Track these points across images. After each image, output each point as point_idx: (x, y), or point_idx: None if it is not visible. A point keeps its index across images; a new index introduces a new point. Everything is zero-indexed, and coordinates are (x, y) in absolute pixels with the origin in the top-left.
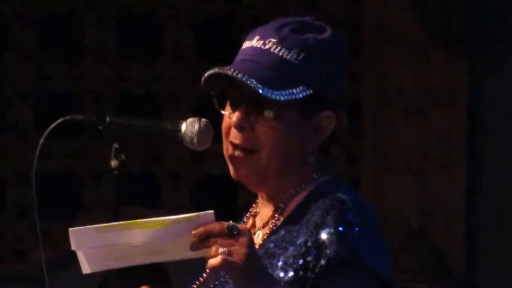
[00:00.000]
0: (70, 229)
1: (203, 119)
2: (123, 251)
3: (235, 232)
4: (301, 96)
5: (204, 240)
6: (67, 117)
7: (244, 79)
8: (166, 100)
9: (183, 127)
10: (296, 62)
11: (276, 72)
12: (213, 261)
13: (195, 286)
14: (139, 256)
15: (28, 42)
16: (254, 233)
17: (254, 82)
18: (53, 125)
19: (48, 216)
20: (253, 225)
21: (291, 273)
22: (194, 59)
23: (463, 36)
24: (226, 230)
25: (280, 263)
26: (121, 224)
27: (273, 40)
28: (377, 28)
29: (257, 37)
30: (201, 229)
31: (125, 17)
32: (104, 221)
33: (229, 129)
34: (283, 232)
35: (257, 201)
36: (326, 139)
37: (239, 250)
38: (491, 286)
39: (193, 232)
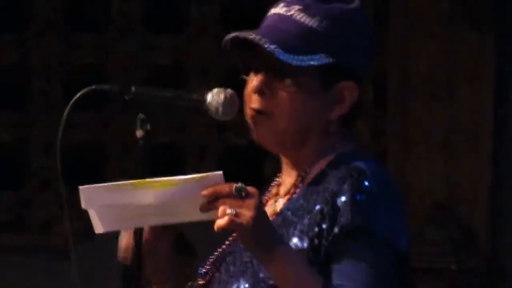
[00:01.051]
0: (80, 187)
1: (229, 90)
2: (134, 211)
3: (244, 194)
4: (320, 63)
5: (213, 202)
6: (93, 86)
7: (262, 42)
8: (193, 71)
9: (209, 97)
10: (318, 29)
11: (297, 38)
12: (220, 222)
13: (215, 255)
14: (150, 217)
15: (53, 12)
16: (276, 201)
17: (272, 47)
18: (78, 95)
19: (74, 186)
20: (277, 194)
21: (306, 242)
22: (221, 30)
23: (491, 11)
24: (234, 191)
25: (296, 231)
26: (131, 183)
27: (297, 7)
28: (404, 1)
29: (281, 4)
30: (209, 189)
31: None
32: None
33: (250, 93)
34: (301, 200)
35: (283, 170)
36: (351, 111)
37: (246, 212)
38: None
39: (203, 192)
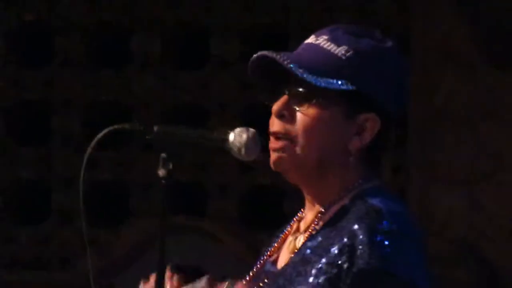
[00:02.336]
0: None
1: (251, 129)
2: None
3: None
4: (340, 87)
5: None
6: (115, 126)
7: (282, 60)
8: (213, 108)
9: (231, 137)
10: (343, 57)
11: (321, 63)
12: None
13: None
14: None
15: (74, 48)
16: (296, 238)
17: (292, 65)
18: (100, 135)
19: (96, 224)
20: (297, 229)
21: (323, 283)
22: (241, 67)
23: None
24: None
25: (314, 271)
26: None
27: (325, 37)
28: (426, 40)
29: (312, 36)
30: None
31: (171, 25)
32: (153, 229)
33: (272, 119)
34: (320, 238)
35: (305, 205)
36: (373, 145)
37: None
38: None
39: None
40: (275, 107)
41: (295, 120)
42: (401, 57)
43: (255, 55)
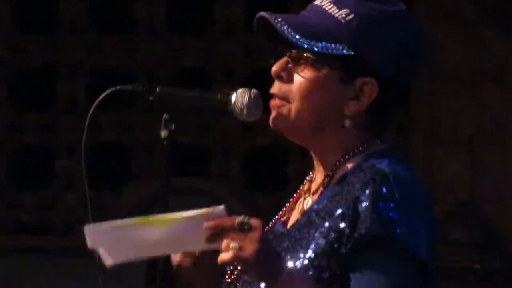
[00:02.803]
0: (85, 227)
1: (253, 90)
2: (141, 245)
3: (246, 227)
4: (336, 52)
5: (217, 235)
6: (117, 87)
7: (278, 26)
8: (217, 73)
9: (233, 97)
10: (343, 21)
11: (319, 26)
12: (223, 256)
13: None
14: (157, 249)
15: (78, 15)
16: (305, 199)
17: (289, 30)
18: (102, 96)
19: (99, 187)
20: (308, 190)
21: (326, 247)
22: (245, 32)
23: None
24: (236, 226)
25: (317, 234)
26: (134, 222)
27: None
28: (430, 2)
29: None
30: (212, 223)
31: None
32: (156, 191)
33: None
34: (325, 201)
35: (314, 166)
36: (372, 109)
37: (249, 245)
38: None
39: (205, 225)
40: (274, 68)
41: (292, 81)
42: (409, 21)
43: (257, 16)
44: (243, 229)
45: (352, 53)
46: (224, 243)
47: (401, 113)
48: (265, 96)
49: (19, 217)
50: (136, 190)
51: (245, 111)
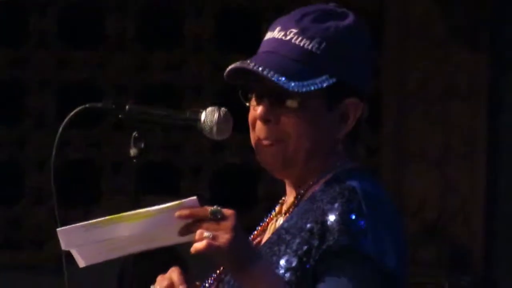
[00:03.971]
0: (58, 229)
1: (223, 108)
2: (114, 244)
3: (219, 216)
4: (323, 85)
5: (190, 226)
6: (87, 105)
7: (265, 72)
8: (187, 89)
9: (203, 116)
10: (318, 52)
11: (298, 63)
12: (197, 245)
13: (213, 277)
14: (131, 246)
15: (48, 30)
16: (277, 220)
17: (275, 75)
18: (72, 113)
19: (68, 204)
20: (280, 212)
21: (295, 261)
22: (215, 49)
23: (484, 30)
24: (210, 215)
25: (288, 249)
26: (106, 219)
27: (294, 31)
28: (399, 20)
29: (278, 28)
30: (185, 211)
31: (144, 5)
32: (124, 209)
33: (255, 120)
34: (295, 218)
35: (286, 189)
36: (354, 128)
37: (223, 234)
38: (511, 280)
39: (177, 213)
40: (260, 112)
41: (281, 123)
42: (363, 30)
43: (230, 67)
44: (216, 218)
45: (335, 80)
46: (198, 233)
47: (370, 132)
48: (234, 114)
49: None
50: (106, 207)
51: (214, 129)
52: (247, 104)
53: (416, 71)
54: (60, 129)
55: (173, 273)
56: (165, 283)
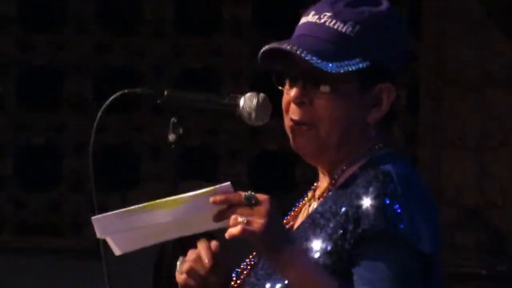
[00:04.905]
0: (92, 217)
1: (262, 94)
2: (148, 231)
3: (253, 202)
4: (356, 67)
5: (225, 211)
6: (125, 90)
7: (298, 52)
8: (225, 74)
9: (241, 101)
10: (352, 34)
11: (332, 45)
12: (232, 231)
13: (249, 258)
14: (166, 233)
15: (87, 15)
16: (310, 204)
17: (309, 56)
18: (111, 99)
19: (106, 189)
20: (313, 197)
21: (330, 245)
22: (253, 33)
23: None
24: (244, 200)
25: (322, 234)
26: (141, 206)
27: (328, 14)
28: (437, 5)
29: (312, 12)
30: (219, 196)
31: None
32: (162, 195)
33: (288, 104)
34: (330, 203)
35: (319, 175)
36: (388, 114)
37: (257, 219)
38: None
39: (211, 199)
40: (294, 94)
41: (314, 105)
42: (399, 17)
43: (264, 48)
44: (251, 203)
45: (369, 63)
46: (232, 218)
47: (409, 119)
48: (272, 100)
49: (26, 217)
50: (144, 193)
51: (253, 115)
52: (280, 88)
53: (454, 57)
54: (99, 114)
55: (201, 246)
56: (193, 255)
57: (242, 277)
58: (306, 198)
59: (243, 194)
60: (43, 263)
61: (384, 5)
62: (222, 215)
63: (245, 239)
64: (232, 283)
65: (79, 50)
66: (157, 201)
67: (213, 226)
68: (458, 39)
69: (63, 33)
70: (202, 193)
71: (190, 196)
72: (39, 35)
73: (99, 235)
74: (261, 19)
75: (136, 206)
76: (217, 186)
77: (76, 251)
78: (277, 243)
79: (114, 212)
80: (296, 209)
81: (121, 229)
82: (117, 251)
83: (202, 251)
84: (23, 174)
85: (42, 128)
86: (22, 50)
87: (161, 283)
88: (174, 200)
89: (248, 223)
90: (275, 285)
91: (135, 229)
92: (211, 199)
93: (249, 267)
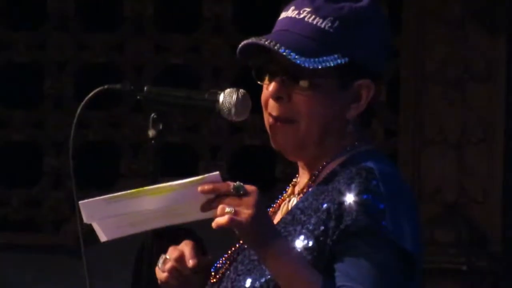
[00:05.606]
0: (80, 202)
1: (241, 90)
2: (135, 218)
3: (242, 192)
4: (335, 63)
5: (212, 201)
6: (105, 86)
7: (276, 47)
8: (205, 71)
9: (221, 97)
10: (331, 30)
11: (311, 41)
12: (219, 220)
13: (228, 253)
14: (153, 221)
15: (67, 11)
16: (290, 200)
17: (287, 51)
18: (91, 94)
19: (86, 185)
20: (292, 193)
21: (312, 241)
22: (233, 30)
23: (501, 11)
24: (232, 190)
25: (303, 230)
26: (129, 192)
27: (307, 9)
28: (417, 2)
29: (292, 8)
30: (208, 186)
31: None
32: None
33: (267, 100)
34: (310, 199)
35: (299, 171)
36: (367, 110)
37: (244, 210)
38: None
39: (199, 188)
40: (272, 89)
41: (293, 101)
42: (380, 13)
43: (243, 43)
44: (239, 193)
45: (348, 60)
46: (220, 207)
47: (389, 115)
48: (253, 96)
49: (6, 214)
50: (124, 189)
51: (233, 111)
52: (260, 83)
53: (434, 53)
54: (79, 110)
55: (185, 246)
56: (176, 254)
57: (221, 272)
58: (285, 194)
59: (231, 184)
60: (22, 259)
61: (365, 1)
62: (209, 205)
63: (232, 229)
64: (211, 278)
65: (59, 47)
66: (145, 188)
67: (200, 216)
68: (438, 35)
69: (43, 30)
70: (191, 181)
71: (178, 184)
72: (19, 33)
73: (85, 219)
74: (242, 16)
75: (124, 192)
76: (206, 175)
77: (56, 248)
78: (264, 234)
79: (102, 197)
80: (275, 205)
81: (108, 215)
82: (103, 237)
83: (187, 252)
84: (3, 170)
85: (23, 125)
86: (2, 48)
87: (141, 278)
88: (163, 187)
89: (235, 213)
90: (256, 281)
91: (122, 215)
92: (199, 188)
93: (228, 262)
